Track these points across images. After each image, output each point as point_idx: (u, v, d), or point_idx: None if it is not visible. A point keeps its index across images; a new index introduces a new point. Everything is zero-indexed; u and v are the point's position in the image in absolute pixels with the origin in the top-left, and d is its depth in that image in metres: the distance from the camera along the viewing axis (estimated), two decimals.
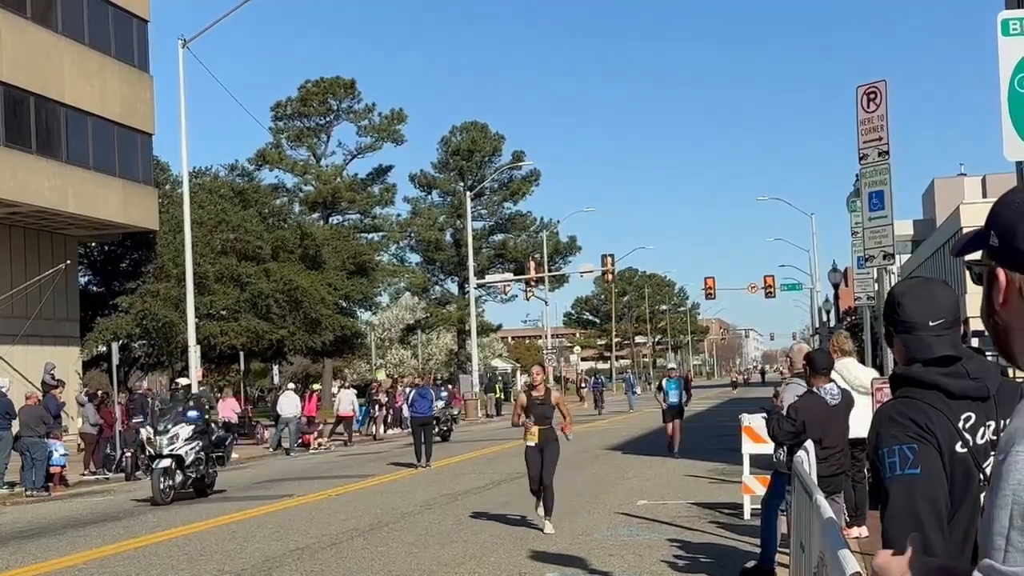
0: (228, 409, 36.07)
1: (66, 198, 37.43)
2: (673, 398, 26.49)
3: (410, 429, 29.37)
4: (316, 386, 47.05)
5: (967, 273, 2.22)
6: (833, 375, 10.44)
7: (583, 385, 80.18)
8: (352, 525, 16.36)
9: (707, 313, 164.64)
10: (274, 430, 37.13)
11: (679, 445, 26.59)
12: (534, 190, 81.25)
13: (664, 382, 27.44)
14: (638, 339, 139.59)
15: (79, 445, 32.08)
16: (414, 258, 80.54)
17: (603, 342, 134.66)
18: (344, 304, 57.20)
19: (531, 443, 15.15)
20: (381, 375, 53.47)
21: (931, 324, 3.49)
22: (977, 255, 2.11)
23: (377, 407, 43.04)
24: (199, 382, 36.74)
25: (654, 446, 29.67)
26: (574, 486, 20.82)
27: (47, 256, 39.81)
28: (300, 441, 36.53)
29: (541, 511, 15.19)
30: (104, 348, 44.02)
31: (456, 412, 42.93)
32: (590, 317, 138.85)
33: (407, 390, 44.20)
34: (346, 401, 39.60)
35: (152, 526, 17.37)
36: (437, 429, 34.18)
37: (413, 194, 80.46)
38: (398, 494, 20.67)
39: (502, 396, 64.51)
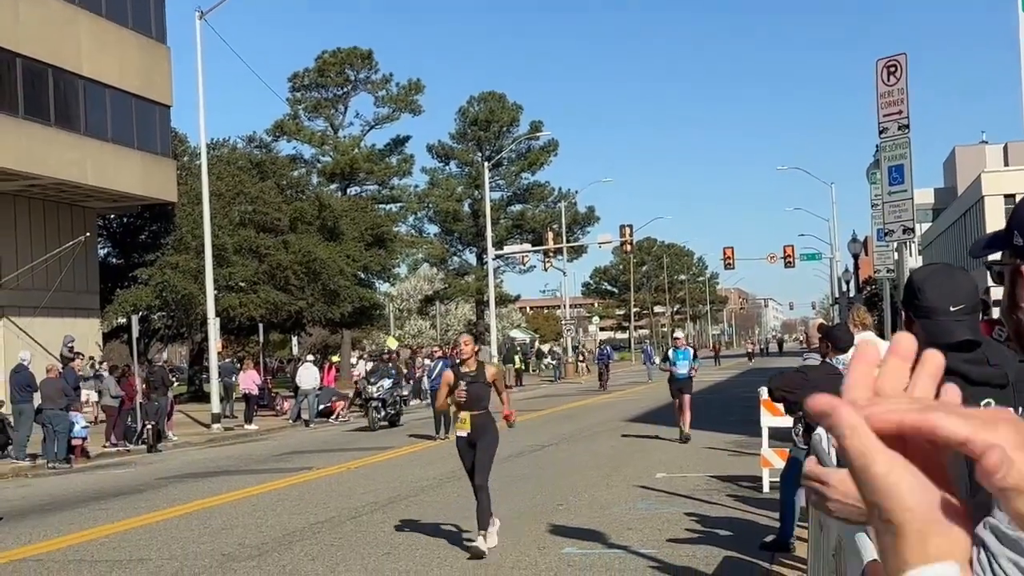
0: (249, 381, 36.21)
1: (85, 170, 37.53)
2: (681, 370, 23.88)
3: (428, 400, 29.51)
4: (335, 358, 47.24)
5: (987, 272, 2.22)
6: (851, 350, 10.41)
7: (582, 357, 75.24)
8: (371, 499, 16.46)
9: (726, 283, 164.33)
10: (293, 402, 37.30)
11: (689, 425, 23.77)
12: (552, 160, 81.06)
13: (671, 352, 24.60)
14: (657, 309, 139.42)
15: (96, 417, 32.37)
16: (432, 229, 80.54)
17: (622, 312, 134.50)
18: (362, 275, 57.25)
19: (462, 433, 11.98)
20: (392, 343, 53.42)
21: (951, 309, 3.48)
22: (997, 255, 2.11)
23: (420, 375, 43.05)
24: (219, 353, 36.95)
25: (673, 417, 29.79)
26: (592, 459, 20.90)
27: (66, 228, 39.97)
28: (329, 406, 36.66)
29: (481, 541, 11.76)
30: (124, 320, 44.23)
31: (407, 393, 37.87)
32: (608, 287, 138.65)
33: (426, 361, 44.18)
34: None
35: (173, 499, 17.50)
36: (384, 413, 31.83)
37: (431, 165, 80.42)
38: (417, 467, 20.77)
39: (522, 367, 64.47)
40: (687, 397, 23.80)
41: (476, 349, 12.15)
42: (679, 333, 26.33)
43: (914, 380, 1.07)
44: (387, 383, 32.28)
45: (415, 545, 12.44)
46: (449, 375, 12.17)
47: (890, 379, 1.06)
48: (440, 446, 25.22)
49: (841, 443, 1.03)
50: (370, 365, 39.37)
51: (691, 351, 24.68)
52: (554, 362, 72.87)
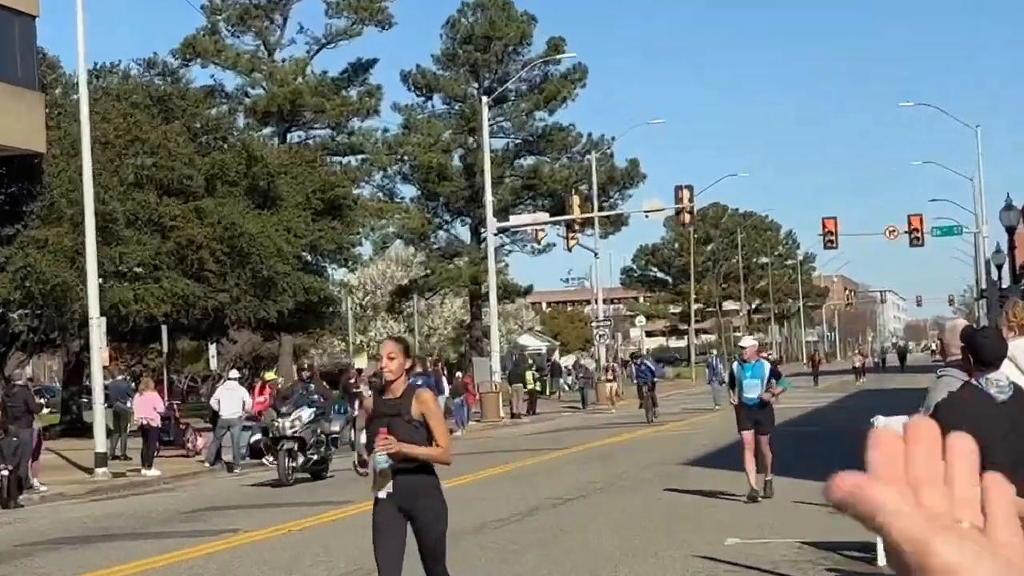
0: (148, 407, 36.06)
1: None
2: (751, 393, 22.39)
3: None
4: (269, 375, 47.20)
5: None
6: (1004, 362, 10.33)
7: (611, 375, 70.85)
8: (323, 573, 16.48)
9: (826, 268, 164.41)
10: (211, 436, 37.30)
11: (770, 471, 22.67)
12: (578, 94, 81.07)
13: (735, 368, 23.29)
14: (727, 305, 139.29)
15: None
16: (408, 191, 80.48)
17: (678, 310, 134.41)
18: (309, 257, 57.32)
19: (381, 493, 10.41)
20: (362, 360, 53.60)
21: None
22: None
23: (358, 404, 43.08)
24: (106, 368, 36.95)
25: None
26: (633, 518, 20.90)
27: None
28: (260, 445, 36.72)
29: None
30: None
31: (338, 429, 37.47)
32: (659, 274, 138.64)
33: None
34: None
35: (42, 574, 17.52)
36: (303, 459, 30.34)
37: (406, 100, 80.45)
38: None
39: (537, 387, 64.19)
40: (764, 438, 22.39)
41: (408, 365, 10.74)
42: (747, 340, 25.06)
43: (951, 468, 1.14)
44: (305, 414, 31.21)
45: None
46: (368, 403, 10.97)
47: (923, 466, 1.13)
48: None
49: (885, 532, 1.09)
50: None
51: (766, 365, 23.19)
52: (579, 382, 71.97)
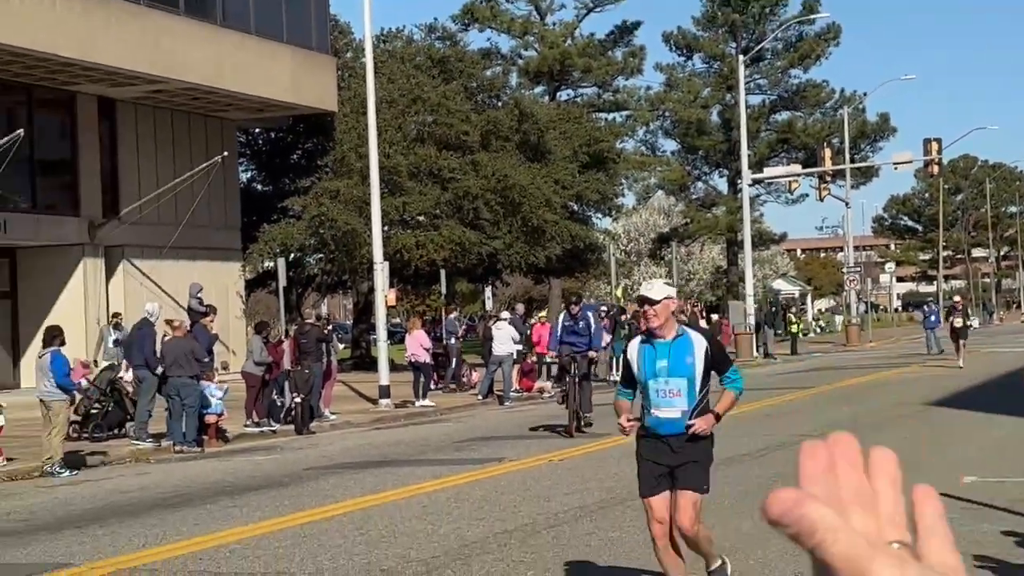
0: (416, 345, 36.14)
1: (222, 71, 38.64)
2: (665, 407, 10.65)
3: None
4: (543, 314, 47.07)
5: None
6: None
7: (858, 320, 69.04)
8: (578, 501, 16.48)
9: None
10: (483, 372, 37.77)
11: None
12: (831, 52, 79.49)
13: (636, 351, 10.51)
14: (976, 252, 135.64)
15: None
16: (669, 145, 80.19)
17: (927, 257, 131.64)
18: (575, 207, 57.49)
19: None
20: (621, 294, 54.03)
21: None
22: None
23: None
24: (391, 307, 37.63)
25: (994, 398, 28.83)
26: None
27: (199, 146, 41.31)
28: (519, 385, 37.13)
29: None
30: (272, 263, 45.57)
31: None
32: (909, 223, 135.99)
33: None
34: None
35: (325, 495, 17.94)
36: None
37: (667, 60, 79.98)
38: None
39: (797, 328, 64.73)
40: (689, 500, 10.40)
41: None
42: (657, 285, 9.39)
43: (875, 484, 1.12)
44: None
45: (631, 563, 12.35)
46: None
47: (849, 484, 1.12)
48: None
49: (822, 551, 1.03)
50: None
51: (699, 343, 10.33)
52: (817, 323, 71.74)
